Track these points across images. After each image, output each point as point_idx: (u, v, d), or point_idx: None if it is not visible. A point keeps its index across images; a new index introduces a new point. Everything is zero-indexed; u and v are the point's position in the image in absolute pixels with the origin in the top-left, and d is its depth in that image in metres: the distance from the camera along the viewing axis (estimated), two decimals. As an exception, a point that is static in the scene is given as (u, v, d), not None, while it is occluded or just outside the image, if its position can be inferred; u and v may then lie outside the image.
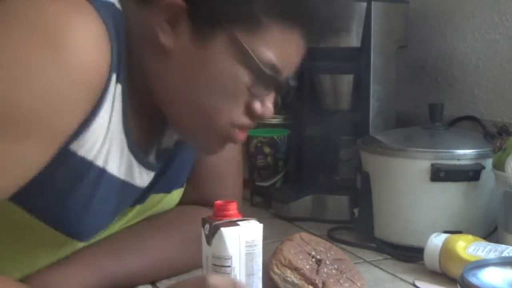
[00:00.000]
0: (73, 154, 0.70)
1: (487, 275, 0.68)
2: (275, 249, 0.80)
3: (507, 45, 1.18)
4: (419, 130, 1.09)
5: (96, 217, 0.78)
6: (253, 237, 0.71)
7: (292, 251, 0.79)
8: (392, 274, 0.93)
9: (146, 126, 0.81)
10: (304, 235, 0.84)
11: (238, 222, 0.71)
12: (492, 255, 0.84)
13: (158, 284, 0.90)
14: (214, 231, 0.69)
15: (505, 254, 0.84)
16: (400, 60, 1.24)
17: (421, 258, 0.92)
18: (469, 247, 0.87)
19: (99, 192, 0.75)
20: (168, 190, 0.91)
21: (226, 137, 0.78)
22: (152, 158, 0.85)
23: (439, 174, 0.97)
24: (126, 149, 0.77)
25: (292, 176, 1.31)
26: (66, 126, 0.68)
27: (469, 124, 1.21)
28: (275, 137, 1.31)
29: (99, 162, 0.73)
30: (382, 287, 0.88)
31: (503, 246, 0.86)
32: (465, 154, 0.99)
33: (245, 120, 0.77)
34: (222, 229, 0.69)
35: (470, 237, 0.90)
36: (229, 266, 0.69)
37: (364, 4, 1.18)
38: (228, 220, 0.71)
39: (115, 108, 0.73)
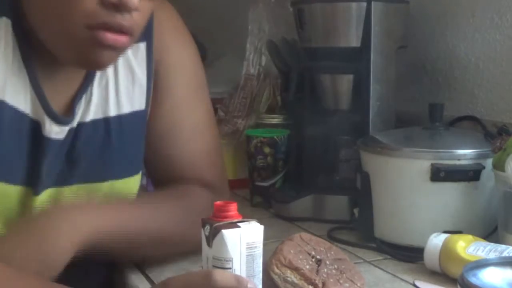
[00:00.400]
0: None
1: (487, 275, 0.68)
2: (275, 249, 0.80)
3: (507, 45, 1.18)
4: (419, 130, 1.09)
5: (3, 154, 0.78)
6: (253, 238, 0.70)
7: (292, 251, 0.79)
8: (392, 274, 0.93)
9: (56, 75, 0.81)
10: (304, 235, 0.84)
11: (239, 224, 0.70)
12: (492, 255, 0.84)
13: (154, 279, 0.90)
14: (214, 233, 0.69)
15: (505, 254, 0.84)
16: (400, 60, 1.24)
17: (421, 258, 0.92)
18: (469, 247, 0.87)
19: (2, 126, 0.76)
20: (115, 176, 0.89)
21: (92, 40, 0.73)
22: (67, 115, 0.84)
23: (439, 174, 0.97)
24: (29, 87, 0.78)
25: (292, 176, 1.31)
26: None
27: (469, 124, 1.21)
28: (275, 137, 1.31)
29: None
30: (382, 287, 0.88)
31: (503, 246, 0.86)
32: (465, 154, 0.99)
33: (103, 16, 0.72)
34: (223, 231, 0.69)
35: (470, 237, 0.90)
36: (230, 268, 0.69)
37: (364, 4, 1.18)
38: (229, 222, 0.71)
39: (5, 40, 0.75)
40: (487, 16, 1.22)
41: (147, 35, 0.86)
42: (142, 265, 0.98)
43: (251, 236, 0.70)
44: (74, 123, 0.85)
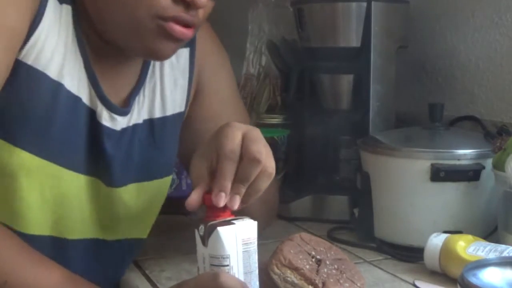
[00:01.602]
0: (23, 64, 0.74)
1: (487, 275, 0.68)
2: (275, 249, 0.80)
3: (507, 45, 1.18)
4: (419, 130, 1.09)
5: (63, 140, 0.79)
6: (248, 235, 0.71)
7: (292, 251, 0.79)
8: (392, 274, 0.93)
9: (110, 65, 0.83)
10: (304, 235, 0.84)
11: (233, 221, 0.71)
12: (492, 255, 0.84)
13: (159, 285, 0.90)
14: (210, 231, 0.69)
15: (505, 254, 0.84)
16: (400, 60, 1.24)
17: (421, 258, 0.92)
18: (469, 247, 0.87)
19: (60, 109, 0.78)
20: (160, 175, 0.92)
21: (160, 31, 0.76)
22: (121, 104, 0.85)
23: (439, 174, 0.97)
24: (84, 75, 0.80)
25: (292, 176, 1.31)
26: (15, 23, 0.71)
27: (469, 124, 1.21)
28: (275, 137, 1.31)
29: (52, 75, 0.76)
30: (382, 287, 0.88)
31: (503, 246, 0.86)
32: (465, 154, 0.99)
33: (174, 9, 0.75)
34: (219, 228, 0.69)
35: (470, 237, 0.90)
36: (228, 265, 0.69)
37: (364, 4, 1.18)
38: (223, 220, 0.71)
39: (64, 26, 0.77)
40: (487, 16, 1.22)
41: (190, 41, 0.88)
42: (142, 265, 0.98)
43: (246, 232, 0.71)
44: (130, 118, 0.86)
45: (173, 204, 1.26)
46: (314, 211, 1.22)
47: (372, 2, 1.18)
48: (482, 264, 0.71)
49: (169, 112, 0.91)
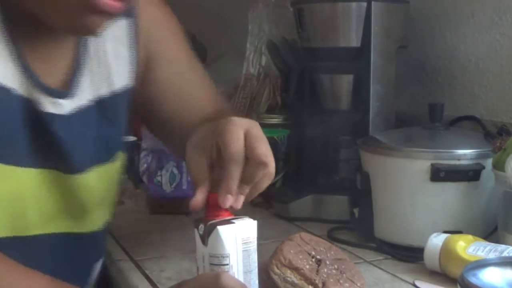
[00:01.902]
0: None
1: (487, 275, 0.68)
2: (275, 249, 0.80)
3: (507, 45, 1.18)
4: (419, 130, 1.09)
5: (1, 137, 0.74)
6: (248, 234, 0.71)
7: (292, 251, 0.79)
8: (392, 274, 0.93)
9: (42, 47, 0.78)
10: (304, 235, 0.84)
11: (233, 221, 0.71)
12: (492, 255, 0.84)
13: (159, 285, 0.90)
14: (210, 230, 0.69)
15: (505, 254, 0.84)
16: (400, 60, 1.24)
17: (421, 258, 0.92)
18: (469, 247, 0.87)
19: None
20: (118, 151, 0.89)
21: (83, 5, 0.70)
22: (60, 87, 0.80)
23: (439, 174, 0.97)
24: (12, 61, 0.74)
25: (292, 176, 1.31)
26: None
27: (469, 124, 1.21)
28: (275, 137, 1.31)
29: None
30: (382, 287, 0.88)
31: (503, 246, 0.86)
32: (465, 154, 0.99)
33: None
34: (219, 227, 0.69)
35: (470, 237, 0.90)
36: (227, 264, 0.69)
37: (364, 4, 1.18)
38: (222, 219, 0.71)
39: None
40: (487, 16, 1.22)
41: (129, 10, 0.86)
42: (142, 265, 0.98)
43: (245, 231, 0.71)
44: (76, 99, 0.82)
45: (173, 204, 1.27)
46: (314, 211, 1.22)
47: (372, 2, 1.18)
48: (482, 264, 0.71)
49: (117, 86, 0.87)
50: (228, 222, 0.70)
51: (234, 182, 0.71)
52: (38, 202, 0.80)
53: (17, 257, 0.73)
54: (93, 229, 0.88)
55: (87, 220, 0.87)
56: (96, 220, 0.89)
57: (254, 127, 0.74)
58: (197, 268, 0.72)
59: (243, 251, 0.70)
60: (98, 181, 0.86)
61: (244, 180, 0.72)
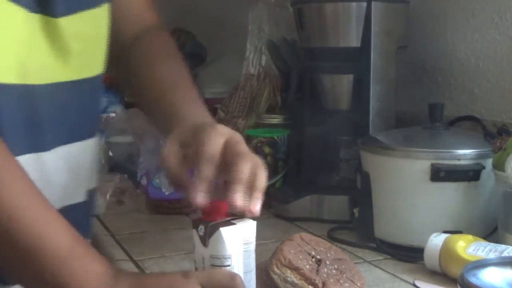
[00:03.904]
0: None
1: (487, 275, 0.68)
2: (275, 249, 0.80)
3: (507, 45, 1.18)
4: (419, 130, 1.09)
5: None
6: (249, 234, 0.71)
7: (292, 251, 0.79)
8: (392, 274, 0.93)
9: None
10: (304, 235, 0.84)
11: (233, 222, 0.71)
12: (492, 255, 0.84)
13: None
14: (211, 232, 0.69)
15: (505, 254, 0.84)
16: (400, 60, 1.24)
17: (421, 258, 0.92)
18: (469, 247, 0.87)
19: None
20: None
21: None
22: None
23: (439, 174, 0.97)
24: None
25: (292, 176, 1.31)
26: None
27: (469, 124, 1.21)
28: (275, 137, 1.31)
29: None
30: (382, 287, 0.88)
31: (503, 246, 0.86)
32: (465, 154, 0.99)
33: None
34: (221, 229, 0.69)
35: (470, 237, 0.90)
36: (229, 265, 0.69)
37: (364, 4, 1.18)
38: (223, 220, 0.71)
39: None
40: (487, 16, 1.22)
41: None
42: (142, 265, 0.98)
43: (246, 232, 0.71)
44: None
45: (173, 205, 1.27)
46: (314, 211, 1.22)
47: (372, 2, 1.18)
48: (482, 264, 0.71)
49: None
50: (229, 223, 0.70)
51: (203, 182, 0.71)
52: (37, 49, 0.79)
53: (27, 110, 0.74)
54: (92, 74, 0.88)
55: (84, 66, 0.86)
56: (93, 66, 0.89)
57: (235, 135, 0.75)
58: (196, 269, 0.72)
59: (243, 251, 0.71)
60: (86, 25, 0.85)
61: (236, 180, 0.71)
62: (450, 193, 0.98)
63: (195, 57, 1.99)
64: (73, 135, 0.86)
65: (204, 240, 0.70)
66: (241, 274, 0.70)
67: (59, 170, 0.83)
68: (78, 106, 0.86)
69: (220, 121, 1.46)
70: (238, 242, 0.70)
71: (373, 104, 1.20)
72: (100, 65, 0.91)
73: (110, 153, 1.49)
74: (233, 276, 0.67)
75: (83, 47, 0.85)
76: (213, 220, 0.71)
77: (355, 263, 0.91)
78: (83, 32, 0.85)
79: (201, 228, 0.70)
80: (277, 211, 1.26)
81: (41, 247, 0.65)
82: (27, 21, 0.77)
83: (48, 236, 0.66)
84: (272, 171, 1.31)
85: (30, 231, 0.65)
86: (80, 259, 0.67)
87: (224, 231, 0.69)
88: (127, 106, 1.68)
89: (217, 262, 0.69)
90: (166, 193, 1.26)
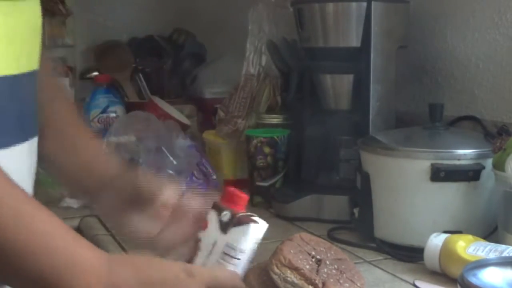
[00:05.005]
0: None
1: (487, 275, 0.68)
2: (275, 249, 0.80)
3: (507, 45, 1.18)
4: (419, 130, 1.09)
5: None
6: (261, 235, 0.72)
7: (292, 251, 0.79)
8: (392, 274, 0.93)
9: None
10: (304, 235, 0.84)
11: (255, 219, 0.71)
12: (492, 255, 0.84)
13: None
14: (238, 222, 0.70)
15: (505, 254, 0.84)
16: (400, 60, 1.24)
17: (421, 258, 0.92)
18: (469, 247, 0.87)
19: None
20: None
21: None
22: None
23: (439, 174, 0.97)
24: None
25: (292, 176, 1.31)
26: None
27: (469, 124, 1.21)
28: (275, 137, 1.31)
29: None
30: (382, 287, 0.88)
31: (503, 246, 0.86)
32: (465, 154, 0.99)
33: None
34: (252, 224, 0.70)
35: (470, 237, 0.90)
36: (239, 259, 0.70)
37: (364, 4, 1.18)
38: (247, 214, 0.71)
39: None
40: (487, 16, 1.22)
41: None
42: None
43: (261, 233, 0.72)
44: None
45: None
46: (314, 211, 1.22)
47: (372, 2, 1.18)
48: (482, 264, 0.71)
49: None
50: (253, 219, 0.71)
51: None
52: (7, 37, 0.71)
53: (13, 100, 0.68)
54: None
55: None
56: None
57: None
58: (199, 249, 0.72)
59: (252, 249, 0.71)
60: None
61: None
62: (450, 193, 0.98)
63: (195, 57, 1.99)
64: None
65: (226, 227, 0.70)
66: (243, 270, 0.71)
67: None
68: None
69: (220, 121, 1.46)
70: (254, 241, 0.71)
71: (373, 104, 1.20)
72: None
73: (110, 153, 1.49)
74: (234, 276, 0.68)
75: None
76: (235, 209, 0.71)
77: (355, 263, 0.91)
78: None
79: (227, 214, 0.70)
80: (277, 211, 1.26)
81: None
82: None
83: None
84: (272, 171, 1.31)
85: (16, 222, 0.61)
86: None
87: (253, 227, 0.69)
88: (128, 106, 1.68)
89: (231, 252, 0.69)
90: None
